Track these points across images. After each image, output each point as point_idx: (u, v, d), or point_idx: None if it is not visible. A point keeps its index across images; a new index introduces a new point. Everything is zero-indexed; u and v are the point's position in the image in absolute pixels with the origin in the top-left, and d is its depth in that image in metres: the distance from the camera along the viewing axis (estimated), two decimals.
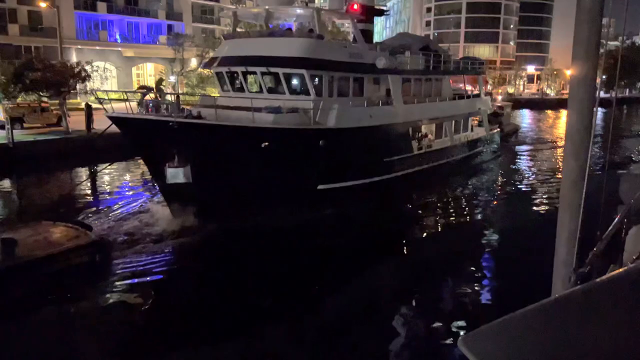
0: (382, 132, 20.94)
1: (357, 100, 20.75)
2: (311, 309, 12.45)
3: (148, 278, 13.67)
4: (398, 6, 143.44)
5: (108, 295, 12.72)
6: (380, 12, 26.24)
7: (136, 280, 13.48)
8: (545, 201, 23.35)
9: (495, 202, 23.78)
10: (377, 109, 21.19)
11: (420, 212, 21.51)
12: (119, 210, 19.31)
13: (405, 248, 17.94)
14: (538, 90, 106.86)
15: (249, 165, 16.62)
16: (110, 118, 15.56)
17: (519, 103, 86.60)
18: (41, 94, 33.48)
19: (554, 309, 1.96)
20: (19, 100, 34.89)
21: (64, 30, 47.66)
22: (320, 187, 18.88)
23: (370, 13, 24.46)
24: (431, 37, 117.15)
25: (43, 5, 46.04)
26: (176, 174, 15.80)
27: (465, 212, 21.96)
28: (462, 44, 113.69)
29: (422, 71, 25.19)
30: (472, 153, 29.45)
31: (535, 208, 22.38)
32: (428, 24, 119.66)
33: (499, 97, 60.11)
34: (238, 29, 25.58)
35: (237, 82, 20.70)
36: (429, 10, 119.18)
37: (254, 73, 19.96)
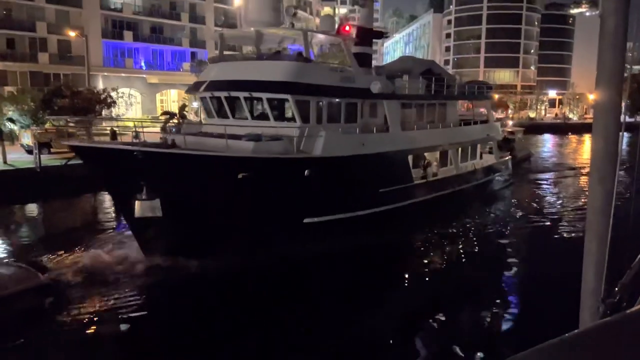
0: (376, 160, 19.50)
1: (350, 126, 19.63)
2: None
3: (104, 326, 12.32)
4: (417, 32, 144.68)
5: (47, 347, 11.41)
6: (379, 35, 25.11)
7: (90, 328, 12.23)
8: (564, 231, 22.06)
9: (509, 233, 22.38)
10: (371, 136, 19.94)
11: (423, 245, 19.88)
12: (91, 245, 18.11)
13: (407, 284, 16.53)
14: (560, 114, 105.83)
15: (225, 197, 15.56)
16: (71, 147, 14.70)
17: (540, 128, 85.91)
18: (68, 119, 34.37)
19: (581, 341, 1.88)
20: (47, 125, 35.88)
21: (92, 58, 49.14)
22: (306, 220, 17.46)
23: (368, 35, 23.32)
24: (450, 63, 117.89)
25: (72, 34, 47.65)
26: (145, 208, 14.56)
27: (475, 244, 20.47)
28: (482, 69, 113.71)
29: (423, 96, 23.95)
30: (481, 182, 27.65)
31: (553, 238, 21.06)
32: (447, 49, 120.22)
33: (510, 122, 57.62)
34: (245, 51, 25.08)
35: (222, 107, 19.63)
36: (448, 36, 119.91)
37: (237, 98, 18.82)
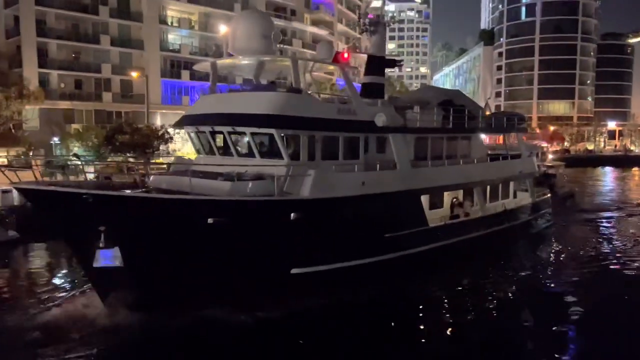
0: (380, 201, 17.36)
1: (351, 163, 17.60)
2: None
3: None
4: (467, 65, 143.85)
5: None
6: (393, 63, 22.62)
7: None
8: (617, 283, 19.32)
9: (544, 284, 19.60)
10: (373, 174, 17.71)
11: (439, 299, 17.66)
12: (47, 297, 16.70)
13: (421, 347, 14.52)
14: (620, 146, 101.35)
15: (193, 245, 13.89)
16: (18, 189, 13.64)
17: (599, 160, 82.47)
18: (128, 154, 36.10)
19: None
20: (108, 160, 37.79)
21: (151, 96, 51.67)
22: (295, 271, 15.53)
23: (379, 64, 21.34)
24: (502, 95, 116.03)
25: (134, 74, 50.42)
26: (104, 257, 13.27)
27: (500, 299, 17.95)
28: (535, 101, 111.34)
29: (438, 129, 21.53)
30: (514, 224, 24.49)
31: (603, 292, 18.19)
32: (499, 81, 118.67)
33: (550, 156, 54.07)
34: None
35: (208, 143, 18.22)
36: (499, 68, 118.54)
37: (222, 133, 17.36)
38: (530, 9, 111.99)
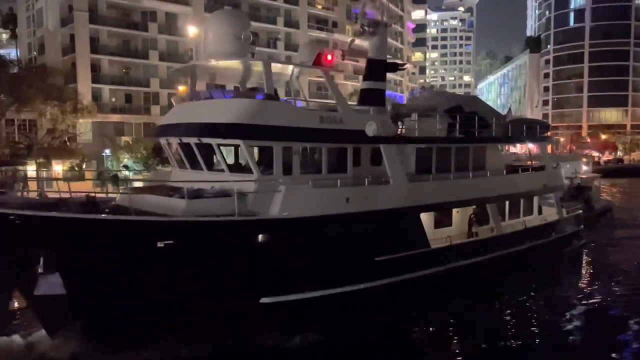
0: (370, 220, 15.59)
1: (337, 177, 15.66)
2: None
3: None
4: (513, 73, 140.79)
5: None
6: (394, 67, 20.79)
7: None
8: None
9: (569, 316, 17.21)
10: (360, 190, 15.77)
11: (440, 332, 15.93)
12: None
13: None
14: None
15: (145, 272, 12.57)
16: None
17: None
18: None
19: None
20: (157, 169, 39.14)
21: None
22: (264, 300, 13.82)
23: (379, 68, 19.41)
24: (550, 103, 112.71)
25: (181, 88, 52.00)
26: (44, 284, 11.97)
27: (519, 334, 15.80)
28: (585, 109, 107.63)
29: (443, 139, 19.36)
30: (534, 244, 21.39)
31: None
32: (546, 89, 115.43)
33: (584, 167, 47.88)
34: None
35: (179, 156, 16.70)
36: (546, 75, 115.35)
37: (189, 145, 15.63)
38: (579, 14, 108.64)
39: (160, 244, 12.20)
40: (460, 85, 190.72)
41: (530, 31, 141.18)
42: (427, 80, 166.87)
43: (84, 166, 39.43)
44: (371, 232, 15.61)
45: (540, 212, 24.11)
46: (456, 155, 19.70)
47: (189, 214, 12.94)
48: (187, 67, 18.58)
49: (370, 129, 16.11)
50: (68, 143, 44.26)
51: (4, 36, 66.72)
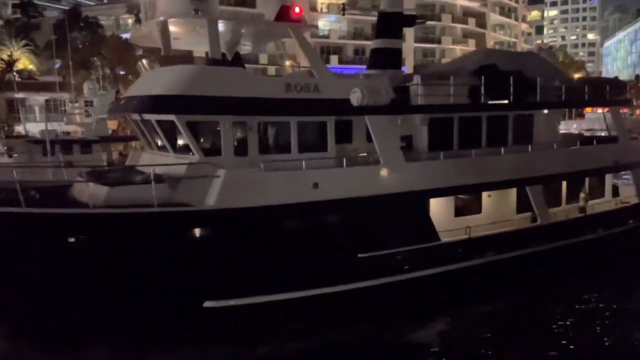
0: (349, 209, 13.01)
1: (314, 158, 13.21)
2: None
3: None
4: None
5: None
6: (411, 20, 18.00)
7: None
8: None
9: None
10: (332, 174, 13.14)
11: (440, 342, 13.28)
12: None
13: None
14: None
15: (58, 269, 11.24)
16: None
17: None
18: None
19: None
20: None
21: None
22: (208, 304, 12.09)
23: (394, 23, 16.59)
24: None
25: (287, 63, 53.13)
26: None
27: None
28: None
29: (454, 106, 15.55)
30: (600, 235, 17.27)
31: None
32: None
33: None
34: None
35: (139, 133, 15.05)
36: None
37: (149, 122, 13.52)
38: None
39: (71, 239, 10.88)
40: (583, 44, 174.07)
41: None
42: (545, 41, 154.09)
43: None
44: (351, 223, 13.19)
45: (615, 193, 20.07)
46: (489, 126, 16.20)
47: (109, 203, 11.36)
48: (147, 29, 15.12)
49: (355, 97, 13.33)
50: None
51: (130, 21, 72.22)
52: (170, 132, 12.82)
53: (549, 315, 14.59)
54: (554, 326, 13.98)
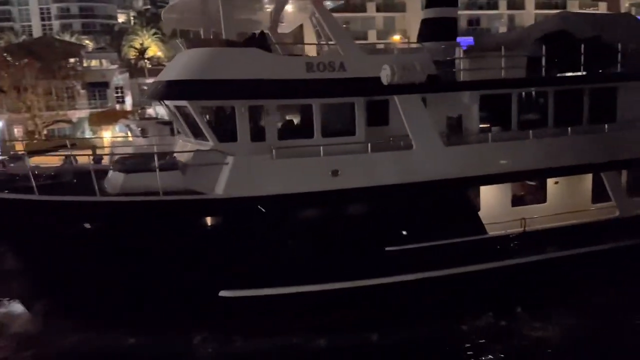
0: (375, 199, 12.11)
1: (340, 142, 12.29)
2: None
3: None
4: None
5: None
6: None
7: None
8: None
9: None
10: (354, 160, 12.09)
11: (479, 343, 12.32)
12: None
13: None
14: None
15: (78, 254, 11.51)
16: None
17: None
18: None
19: None
20: None
21: None
22: (224, 294, 11.91)
23: None
24: None
25: (396, 37, 52.15)
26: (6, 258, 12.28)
27: None
28: None
29: (515, 82, 13.73)
30: None
31: None
32: None
33: None
34: None
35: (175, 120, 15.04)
36: None
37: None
38: None
39: (87, 226, 11.17)
40: None
41: None
42: None
43: None
44: (379, 214, 12.27)
45: None
46: (556, 103, 14.23)
47: (124, 190, 11.39)
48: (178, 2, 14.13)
49: (384, 75, 12.04)
50: None
51: None
52: (191, 118, 12.43)
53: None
54: None
